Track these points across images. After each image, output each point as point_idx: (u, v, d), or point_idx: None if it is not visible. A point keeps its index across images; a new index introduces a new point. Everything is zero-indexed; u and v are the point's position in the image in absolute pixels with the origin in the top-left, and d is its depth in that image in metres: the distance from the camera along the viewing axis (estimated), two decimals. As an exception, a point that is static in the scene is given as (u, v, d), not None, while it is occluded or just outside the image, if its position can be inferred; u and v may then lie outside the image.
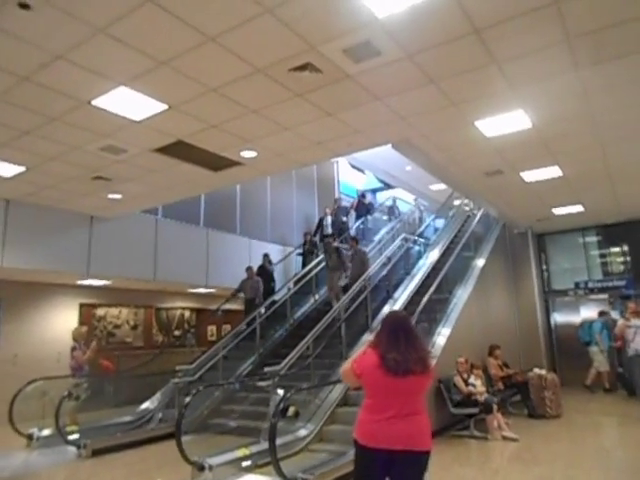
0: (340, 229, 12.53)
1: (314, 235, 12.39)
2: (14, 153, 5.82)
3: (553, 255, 12.18)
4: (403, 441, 2.50)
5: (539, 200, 8.94)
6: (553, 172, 7.24)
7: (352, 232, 12.81)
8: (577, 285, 11.58)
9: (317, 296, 10.79)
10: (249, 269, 10.26)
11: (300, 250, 12.40)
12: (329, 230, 12.38)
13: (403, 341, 2.60)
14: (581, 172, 7.36)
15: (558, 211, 9.80)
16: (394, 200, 15.41)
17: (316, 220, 13.35)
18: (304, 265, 11.51)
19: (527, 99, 4.92)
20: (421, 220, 14.72)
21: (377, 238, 12.91)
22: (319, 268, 10.90)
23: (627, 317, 9.31)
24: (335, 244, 10.36)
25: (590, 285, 11.44)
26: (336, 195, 15.90)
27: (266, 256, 11.37)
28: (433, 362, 2.67)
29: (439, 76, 4.41)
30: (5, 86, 4.34)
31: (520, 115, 5.25)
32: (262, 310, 9.45)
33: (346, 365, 2.76)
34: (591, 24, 3.74)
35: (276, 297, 10.26)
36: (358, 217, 13.93)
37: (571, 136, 5.97)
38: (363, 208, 14.11)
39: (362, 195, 14.72)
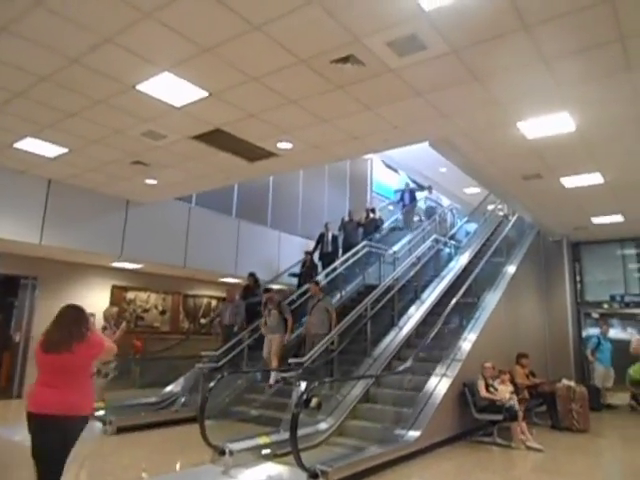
0: (350, 245, 11.29)
1: (313, 252, 11.17)
2: (59, 134, 5.98)
3: (588, 266, 11.81)
4: (62, 408, 3.06)
5: (578, 208, 8.69)
6: (595, 179, 7.03)
7: (359, 247, 10.87)
8: (612, 298, 11.20)
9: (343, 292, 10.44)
10: (228, 291, 9.30)
11: (297, 270, 11.17)
12: (329, 248, 11.24)
13: (56, 326, 3.23)
14: (624, 180, 7.12)
15: (597, 220, 9.51)
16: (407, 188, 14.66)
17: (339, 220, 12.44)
18: (299, 287, 10.23)
19: (573, 100, 4.79)
20: (452, 223, 14.42)
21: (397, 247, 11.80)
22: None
23: None
24: (277, 297, 8.58)
25: (627, 299, 11.05)
26: (368, 194, 15.80)
27: (252, 275, 10.06)
28: (85, 343, 3.18)
29: (484, 73, 4.33)
30: (55, 68, 4.46)
31: (564, 117, 5.11)
32: (245, 335, 8.45)
33: None
34: (647, 24, 3.61)
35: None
36: (366, 234, 12.24)
37: (616, 141, 5.79)
38: (372, 224, 12.68)
39: (372, 210, 13.24)
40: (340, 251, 11.44)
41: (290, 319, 8.19)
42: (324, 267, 10.79)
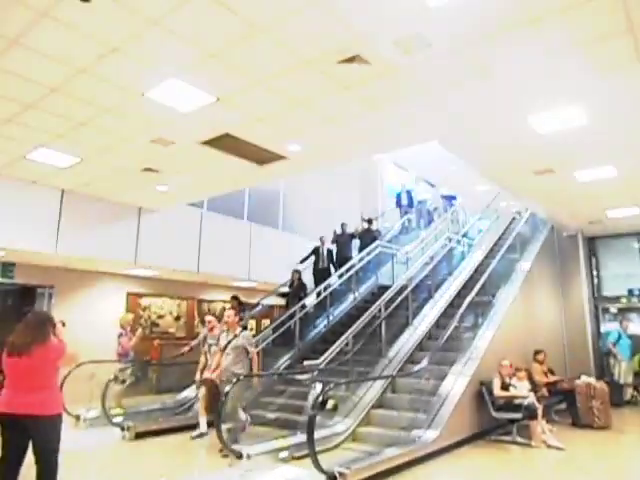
0: (343, 259, 10.62)
1: (304, 261, 10.58)
2: (70, 144, 6.06)
3: (605, 260, 11.63)
4: (24, 407, 3.22)
5: (592, 201, 8.57)
6: (608, 172, 6.92)
7: (355, 261, 10.25)
8: (630, 292, 11.02)
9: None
10: (210, 321, 8.06)
11: (286, 289, 10.34)
12: (324, 263, 10.52)
13: (19, 331, 3.40)
14: (639, 171, 7.00)
15: (612, 213, 9.35)
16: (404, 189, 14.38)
17: (334, 230, 11.40)
18: (287, 308, 9.62)
19: (583, 93, 4.72)
20: (464, 221, 14.21)
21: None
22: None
23: None
24: (239, 326, 6.51)
25: (645, 293, 10.87)
26: (379, 194, 15.70)
27: (235, 298, 9.33)
28: (45, 347, 3.34)
29: (491, 68, 4.29)
30: (64, 77, 4.51)
31: (575, 110, 5.04)
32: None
33: None
34: (658, 12, 3.55)
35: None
36: (362, 247, 11.13)
37: (629, 132, 5.69)
38: (368, 236, 11.46)
39: (368, 220, 12.09)
40: (332, 267, 10.65)
41: (254, 353, 6.21)
42: (317, 284, 10.18)
